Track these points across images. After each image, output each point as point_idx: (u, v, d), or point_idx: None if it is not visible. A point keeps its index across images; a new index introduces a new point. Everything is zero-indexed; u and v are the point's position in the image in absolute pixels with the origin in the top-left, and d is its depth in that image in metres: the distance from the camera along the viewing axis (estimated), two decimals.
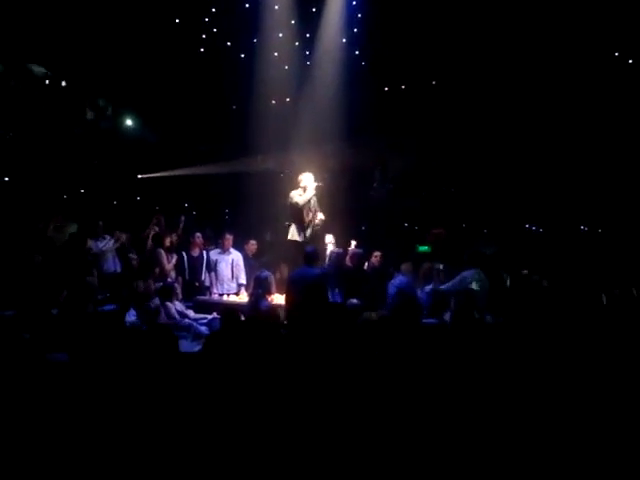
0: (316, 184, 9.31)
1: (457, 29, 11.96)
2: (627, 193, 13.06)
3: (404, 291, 7.97)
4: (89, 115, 12.76)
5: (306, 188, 9.31)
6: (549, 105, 12.64)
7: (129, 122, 13.46)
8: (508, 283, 9.16)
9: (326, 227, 9.66)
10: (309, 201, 9.30)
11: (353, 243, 9.85)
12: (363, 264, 9.34)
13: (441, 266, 8.60)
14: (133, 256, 9.99)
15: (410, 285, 8.31)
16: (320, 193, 9.38)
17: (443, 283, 8.20)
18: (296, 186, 9.39)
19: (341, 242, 9.92)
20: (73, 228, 10.11)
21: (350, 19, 12.33)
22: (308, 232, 9.35)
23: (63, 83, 12.42)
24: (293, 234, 9.34)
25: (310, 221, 9.38)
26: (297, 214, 9.31)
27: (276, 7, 12.29)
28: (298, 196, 9.27)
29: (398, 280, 8.26)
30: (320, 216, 9.35)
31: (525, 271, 9.52)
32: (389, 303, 8.05)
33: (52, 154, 11.98)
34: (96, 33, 11.56)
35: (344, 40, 12.52)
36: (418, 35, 12.34)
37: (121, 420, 3.99)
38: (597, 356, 5.20)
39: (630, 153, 12.77)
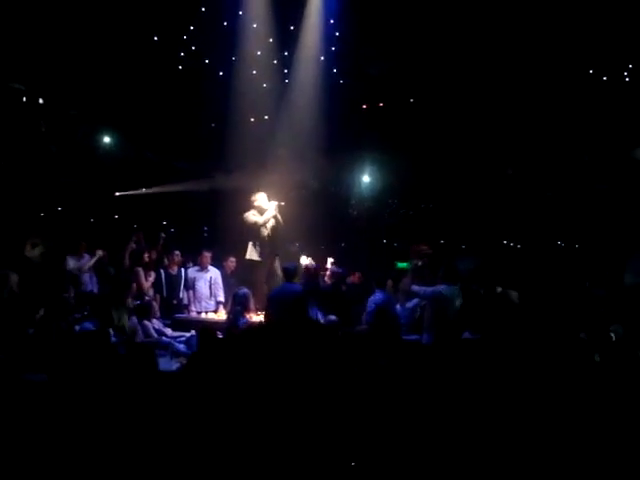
0: (276, 203, 9.46)
1: (434, 47, 12.10)
2: (603, 209, 13.20)
3: (382, 307, 7.97)
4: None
5: (261, 207, 9.46)
6: (525, 121, 12.78)
7: (107, 139, 13.39)
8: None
9: (303, 246, 9.78)
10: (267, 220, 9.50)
11: (330, 260, 9.88)
12: (341, 282, 9.36)
13: (420, 262, 8.54)
14: (112, 270, 9.97)
15: (389, 301, 8.30)
16: (281, 212, 9.53)
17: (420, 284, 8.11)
18: (250, 207, 9.53)
19: (319, 259, 9.95)
20: (49, 247, 10.02)
21: (328, 37, 12.43)
22: (265, 251, 9.50)
23: (40, 100, 12.34)
24: (250, 253, 9.49)
25: (265, 241, 9.52)
26: (255, 233, 9.45)
27: (254, 25, 12.35)
28: (254, 216, 9.44)
29: (377, 297, 8.25)
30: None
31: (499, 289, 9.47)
32: (366, 320, 8.04)
33: (28, 171, 11.89)
34: (74, 50, 11.53)
35: (322, 58, 12.61)
36: (396, 53, 12.47)
37: (101, 439, 3.95)
38: (577, 371, 5.23)
39: (607, 169, 12.94)
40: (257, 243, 9.54)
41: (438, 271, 8.02)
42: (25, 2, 10.81)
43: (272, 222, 9.60)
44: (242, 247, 11.16)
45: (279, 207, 9.55)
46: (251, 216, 9.51)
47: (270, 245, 9.66)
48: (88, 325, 7.62)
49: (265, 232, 9.55)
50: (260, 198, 9.64)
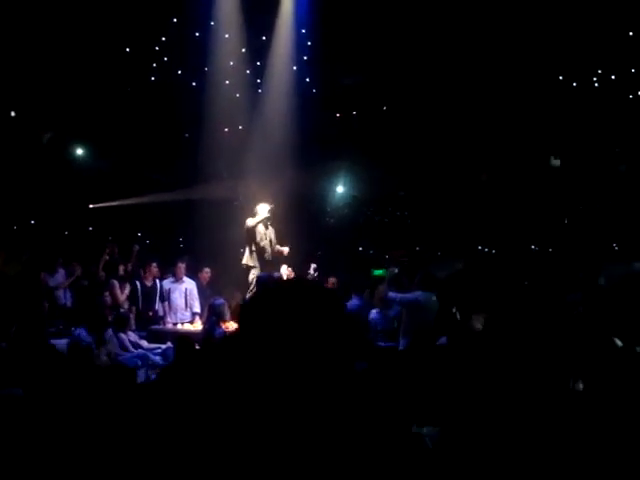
0: (268, 207, 9.49)
1: (407, 54, 12.19)
2: (577, 212, 13.36)
3: (353, 313, 8.00)
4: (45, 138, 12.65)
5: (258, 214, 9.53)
6: (498, 127, 12.91)
7: (80, 151, 13.30)
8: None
9: (282, 257, 9.79)
10: (265, 227, 9.47)
11: (313, 266, 9.90)
12: None
13: (396, 270, 8.55)
14: (86, 283, 9.92)
15: (362, 308, 8.31)
16: (273, 216, 9.55)
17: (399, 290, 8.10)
18: (253, 215, 9.62)
19: (298, 267, 9.98)
20: (23, 260, 9.93)
21: (300, 47, 12.48)
22: (263, 258, 9.49)
23: (12, 113, 12.26)
24: (246, 259, 9.50)
25: (264, 248, 9.50)
26: (249, 238, 9.45)
27: (226, 36, 12.37)
28: (249, 220, 9.56)
29: (351, 302, 8.28)
30: (284, 249, 9.57)
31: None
32: None
33: (2, 184, 11.79)
34: (46, 62, 11.48)
35: (294, 68, 12.65)
36: (368, 63, 12.55)
37: (78, 453, 3.92)
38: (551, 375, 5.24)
39: (580, 173, 13.11)
40: (253, 249, 9.56)
41: (415, 278, 8.05)
42: None
43: (270, 229, 9.65)
44: (225, 255, 11.20)
45: (271, 211, 9.60)
46: (248, 221, 9.56)
47: (265, 251, 9.65)
48: (63, 342, 7.57)
49: (264, 238, 9.58)
50: (261, 208, 9.67)
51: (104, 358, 7.41)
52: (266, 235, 9.57)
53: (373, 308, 8.77)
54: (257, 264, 9.47)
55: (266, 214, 9.50)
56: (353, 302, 8.32)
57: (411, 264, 10.64)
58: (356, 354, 5.36)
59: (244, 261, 9.59)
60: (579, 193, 13.30)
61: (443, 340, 7.43)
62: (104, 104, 12.36)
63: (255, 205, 9.77)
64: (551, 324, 7.76)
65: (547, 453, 3.93)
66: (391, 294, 7.80)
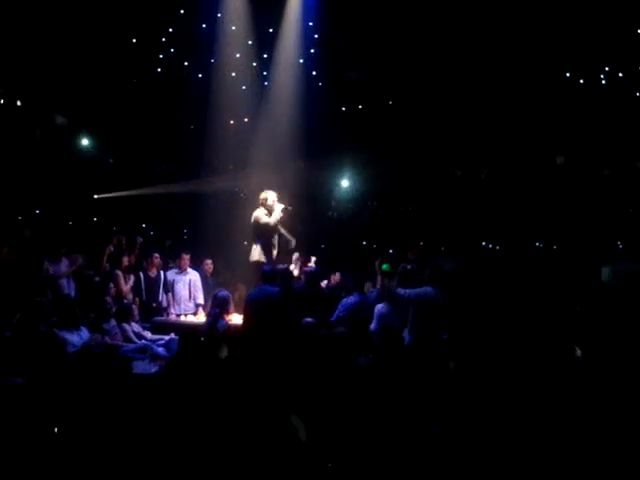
0: (283, 206, 9.20)
1: (414, 50, 12.18)
2: (581, 210, 13.33)
3: (353, 310, 7.99)
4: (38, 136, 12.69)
5: (272, 206, 9.21)
6: (502, 123, 12.90)
7: (85, 142, 13.31)
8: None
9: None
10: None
11: (313, 259, 9.85)
12: (317, 283, 9.23)
13: (409, 266, 8.42)
14: (91, 273, 9.89)
15: (361, 304, 8.26)
16: (286, 216, 9.33)
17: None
18: (260, 205, 9.30)
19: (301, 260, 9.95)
20: (27, 250, 9.94)
21: (307, 40, 12.47)
22: (274, 254, 9.33)
23: (18, 102, 12.28)
24: (259, 255, 9.18)
25: (274, 244, 9.35)
26: (266, 235, 9.24)
27: (233, 28, 12.37)
28: (266, 216, 9.16)
29: (350, 299, 8.26)
30: (292, 242, 9.41)
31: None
32: (331, 320, 8.00)
33: (7, 174, 11.81)
34: (53, 52, 11.49)
35: (301, 61, 12.64)
36: (374, 57, 12.53)
37: (80, 443, 3.92)
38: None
39: (585, 170, 13.09)
40: (264, 244, 9.21)
41: (423, 273, 7.99)
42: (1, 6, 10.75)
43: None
44: (229, 247, 11.15)
45: (285, 211, 9.24)
46: (264, 217, 9.11)
47: (275, 247, 9.42)
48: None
49: (275, 236, 9.30)
50: (270, 196, 9.23)
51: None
52: (277, 230, 9.34)
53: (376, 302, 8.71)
54: (267, 260, 9.14)
55: (281, 213, 9.17)
56: (351, 299, 8.29)
57: (421, 260, 10.59)
58: (359, 349, 5.38)
59: (255, 257, 9.19)
60: (584, 190, 13.29)
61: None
62: (110, 95, 12.37)
63: (258, 194, 9.53)
64: (555, 318, 7.78)
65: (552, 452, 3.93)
66: (399, 290, 7.71)
